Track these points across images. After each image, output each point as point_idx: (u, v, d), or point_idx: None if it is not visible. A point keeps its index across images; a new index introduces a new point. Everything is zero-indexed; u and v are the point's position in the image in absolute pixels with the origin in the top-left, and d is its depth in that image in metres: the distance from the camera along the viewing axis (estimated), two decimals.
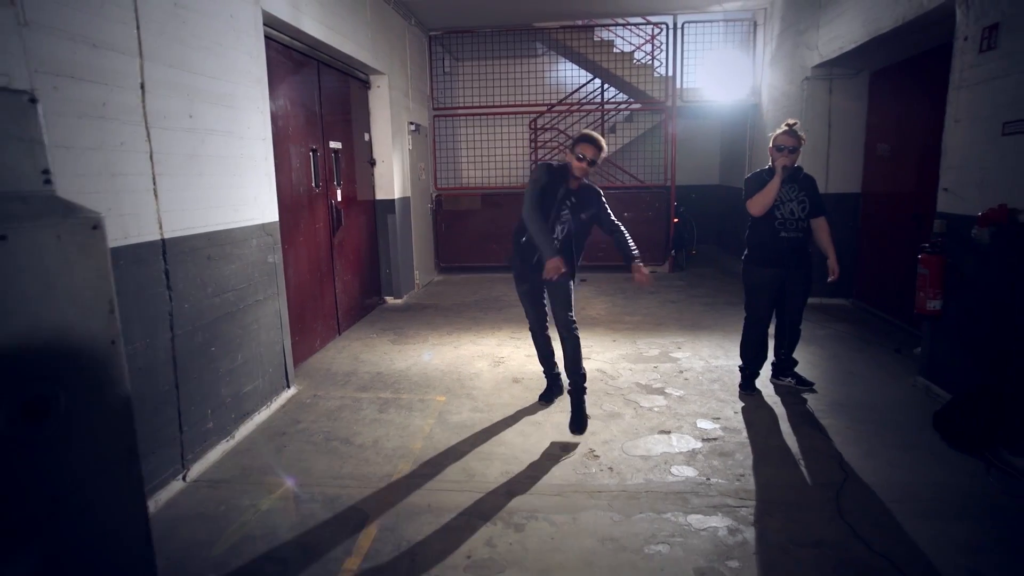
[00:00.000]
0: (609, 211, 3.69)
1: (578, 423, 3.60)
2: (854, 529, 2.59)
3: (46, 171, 1.33)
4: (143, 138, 2.87)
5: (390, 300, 7.26)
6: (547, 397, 4.07)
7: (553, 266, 3.34)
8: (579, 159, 3.43)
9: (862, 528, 2.59)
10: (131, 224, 2.78)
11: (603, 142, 3.49)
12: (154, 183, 2.94)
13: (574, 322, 3.64)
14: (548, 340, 3.95)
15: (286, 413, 4.02)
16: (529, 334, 4.06)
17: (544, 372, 4.12)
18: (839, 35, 5.50)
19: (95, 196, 2.57)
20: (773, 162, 3.72)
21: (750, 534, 2.59)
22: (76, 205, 1.40)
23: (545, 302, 3.81)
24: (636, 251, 3.63)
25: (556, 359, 4.02)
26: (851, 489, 2.91)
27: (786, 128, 3.71)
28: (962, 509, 2.74)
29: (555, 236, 3.49)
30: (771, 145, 3.74)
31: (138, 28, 2.85)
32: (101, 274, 1.44)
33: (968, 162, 3.67)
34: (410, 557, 2.50)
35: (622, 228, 3.69)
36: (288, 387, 4.30)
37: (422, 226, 8.32)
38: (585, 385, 3.68)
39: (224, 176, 3.54)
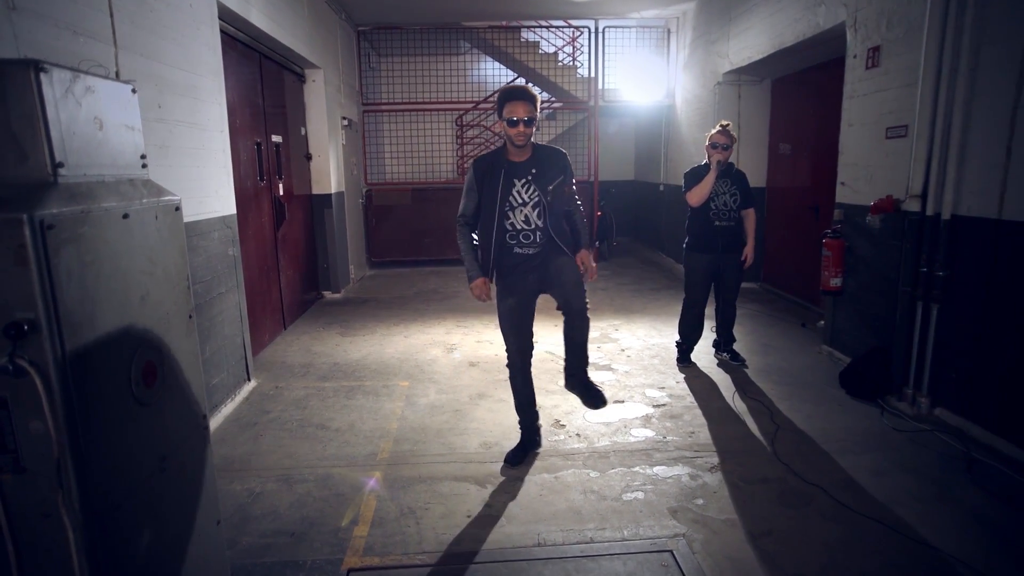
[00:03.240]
0: (573, 183, 3.05)
1: (595, 396, 3.21)
2: (789, 467, 3.09)
3: (143, 156, 1.44)
4: None
5: (328, 295, 7.24)
6: (519, 456, 3.18)
7: (476, 288, 2.97)
8: (511, 124, 2.80)
9: (795, 465, 3.10)
10: None
11: (532, 91, 2.86)
12: None
13: (588, 306, 3.12)
14: (530, 379, 3.20)
15: (252, 404, 4.03)
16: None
17: (521, 420, 3.24)
18: (748, 46, 6.18)
19: None
20: (709, 158, 4.21)
21: (708, 478, 3.02)
22: (163, 188, 1.52)
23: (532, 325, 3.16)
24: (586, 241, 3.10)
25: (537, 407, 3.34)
26: (783, 436, 3.43)
27: (720, 128, 4.21)
28: (867, 444, 3.33)
29: (533, 226, 2.92)
30: (707, 143, 4.23)
31: (111, 15, 2.83)
32: (181, 252, 1.57)
33: (860, 160, 4.35)
34: (415, 520, 2.71)
35: (579, 209, 3.11)
36: (249, 380, 4.29)
37: (354, 221, 8.31)
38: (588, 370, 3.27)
39: (191, 168, 3.52)
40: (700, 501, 2.81)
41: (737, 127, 6.94)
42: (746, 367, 4.57)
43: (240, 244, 4.63)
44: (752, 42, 6.08)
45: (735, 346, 4.69)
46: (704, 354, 4.78)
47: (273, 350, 5.21)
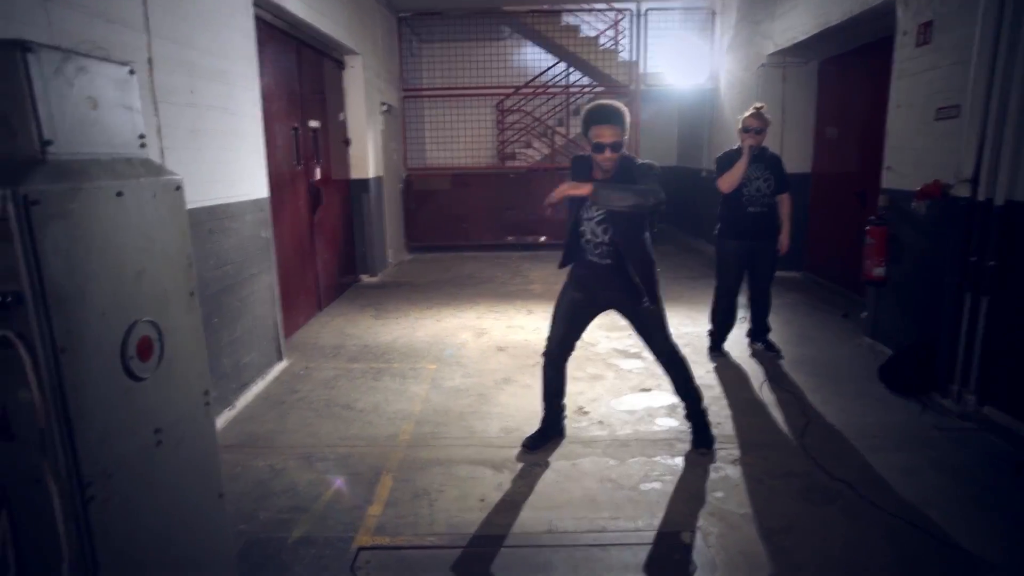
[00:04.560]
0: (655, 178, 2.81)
1: (705, 439, 3.14)
2: (816, 461, 2.97)
3: (142, 135, 1.47)
4: (152, 112, 2.94)
5: (365, 278, 7.37)
6: (537, 442, 3.18)
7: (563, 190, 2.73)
8: (597, 149, 2.73)
9: (823, 460, 2.97)
10: None
11: (621, 108, 2.74)
12: (162, 156, 3.02)
13: (676, 346, 3.11)
14: (563, 373, 3.21)
15: (282, 384, 4.14)
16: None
17: (544, 408, 3.24)
18: (792, 26, 5.90)
19: None
20: (741, 143, 4.05)
21: (731, 470, 2.93)
22: (163, 168, 1.55)
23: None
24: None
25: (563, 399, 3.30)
26: (813, 430, 3.30)
27: (753, 111, 4.04)
28: (902, 442, 3.17)
29: (599, 239, 2.89)
30: (739, 127, 4.07)
31: (145, 3, 2.91)
32: (182, 231, 1.60)
33: (907, 143, 4.10)
34: (428, 502, 2.73)
35: (654, 189, 2.75)
36: (280, 359, 4.41)
37: (393, 206, 8.41)
38: (704, 406, 3.16)
39: (222, 151, 3.62)
40: (720, 494, 2.73)
41: (781, 110, 6.67)
42: (781, 358, 4.40)
43: (274, 227, 4.75)
44: (797, 22, 5.80)
45: (770, 336, 4.53)
46: (738, 344, 4.64)
47: (307, 331, 5.34)
